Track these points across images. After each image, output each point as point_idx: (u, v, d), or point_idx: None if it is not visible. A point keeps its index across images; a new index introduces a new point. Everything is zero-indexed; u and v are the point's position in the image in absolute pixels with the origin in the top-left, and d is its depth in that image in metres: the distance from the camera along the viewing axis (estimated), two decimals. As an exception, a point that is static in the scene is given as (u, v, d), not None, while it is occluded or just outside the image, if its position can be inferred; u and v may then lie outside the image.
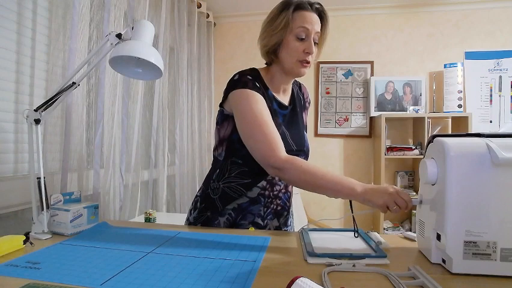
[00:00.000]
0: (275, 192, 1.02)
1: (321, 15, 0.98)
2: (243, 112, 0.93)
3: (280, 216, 1.05)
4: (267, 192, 1.01)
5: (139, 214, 1.77)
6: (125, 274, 0.63)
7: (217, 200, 1.01)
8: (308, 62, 0.96)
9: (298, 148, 1.02)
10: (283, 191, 1.05)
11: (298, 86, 1.15)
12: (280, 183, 1.03)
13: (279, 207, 1.04)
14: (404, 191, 0.78)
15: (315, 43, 0.96)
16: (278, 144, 0.88)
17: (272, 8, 1.01)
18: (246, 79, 0.96)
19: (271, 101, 1.00)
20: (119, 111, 1.56)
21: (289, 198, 1.08)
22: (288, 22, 0.94)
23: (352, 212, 0.87)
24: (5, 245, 0.75)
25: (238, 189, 1.00)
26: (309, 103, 1.19)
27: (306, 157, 1.06)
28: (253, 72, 1.00)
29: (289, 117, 1.05)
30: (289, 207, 1.09)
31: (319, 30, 0.97)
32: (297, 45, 0.95)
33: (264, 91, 0.98)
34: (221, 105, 1.03)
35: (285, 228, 1.08)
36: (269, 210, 1.02)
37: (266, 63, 1.06)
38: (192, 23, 2.57)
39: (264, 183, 1.00)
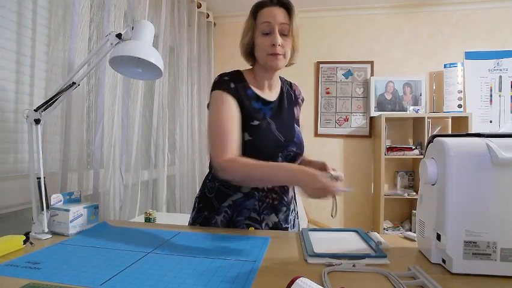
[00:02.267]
0: (269, 186, 1.03)
1: (286, 6, 1.00)
2: (210, 114, 1.00)
3: (279, 211, 1.04)
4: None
5: (139, 214, 1.76)
6: (125, 274, 0.63)
7: (213, 199, 1.03)
8: (278, 54, 0.98)
9: (287, 139, 1.03)
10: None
11: (288, 85, 1.16)
12: None
13: (275, 202, 1.03)
14: (337, 175, 0.87)
15: (283, 34, 0.98)
16: (228, 147, 0.92)
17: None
18: (222, 80, 1.01)
19: (250, 100, 1.02)
20: (119, 111, 1.56)
21: (287, 193, 1.07)
22: (254, 22, 1.02)
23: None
24: (5, 245, 0.75)
25: (233, 185, 1.01)
26: (302, 100, 1.19)
27: (298, 148, 1.05)
28: (235, 73, 1.04)
29: (276, 110, 1.06)
30: (289, 202, 1.07)
31: (284, 21, 0.98)
32: (263, 40, 0.99)
33: (243, 91, 1.01)
34: (208, 106, 1.05)
35: (286, 225, 1.07)
36: (264, 204, 1.01)
37: (251, 66, 1.10)
38: (192, 23, 2.56)
39: None
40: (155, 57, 0.93)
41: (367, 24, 3.02)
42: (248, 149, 0.96)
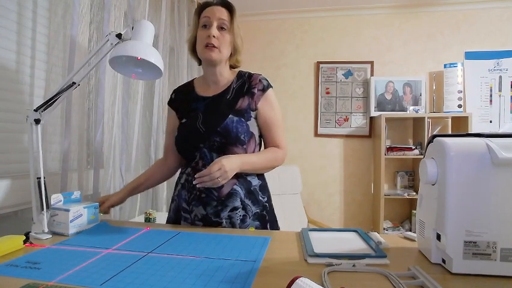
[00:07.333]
0: None
1: (228, 6, 1.09)
2: None
3: (207, 205, 1.04)
4: (190, 178, 1.07)
5: (139, 214, 1.76)
6: (125, 274, 0.63)
7: (174, 189, 1.18)
8: (213, 45, 1.04)
9: (208, 130, 1.06)
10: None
11: (247, 77, 1.14)
12: (203, 169, 1.01)
13: (202, 195, 1.05)
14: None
15: (222, 28, 1.06)
16: (163, 150, 1.26)
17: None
18: (171, 95, 1.22)
19: (191, 102, 1.14)
20: (119, 111, 1.56)
21: (219, 188, 1.03)
22: (197, 20, 1.10)
23: None
24: (5, 245, 0.75)
25: (179, 177, 1.16)
26: (260, 90, 1.11)
27: (223, 138, 1.04)
28: (184, 84, 1.24)
29: (210, 104, 1.12)
30: (220, 198, 1.04)
31: (223, 17, 1.06)
32: (201, 32, 1.07)
33: (184, 96, 1.17)
34: None
35: (218, 220, 1.04)
36: (192, 195, 1.06)
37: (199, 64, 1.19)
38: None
39: (189, 169, 1.10)
40: (155, 57, 0.93)
41: (367, 24, 3.02)
42: (176, 143, 1.12)
